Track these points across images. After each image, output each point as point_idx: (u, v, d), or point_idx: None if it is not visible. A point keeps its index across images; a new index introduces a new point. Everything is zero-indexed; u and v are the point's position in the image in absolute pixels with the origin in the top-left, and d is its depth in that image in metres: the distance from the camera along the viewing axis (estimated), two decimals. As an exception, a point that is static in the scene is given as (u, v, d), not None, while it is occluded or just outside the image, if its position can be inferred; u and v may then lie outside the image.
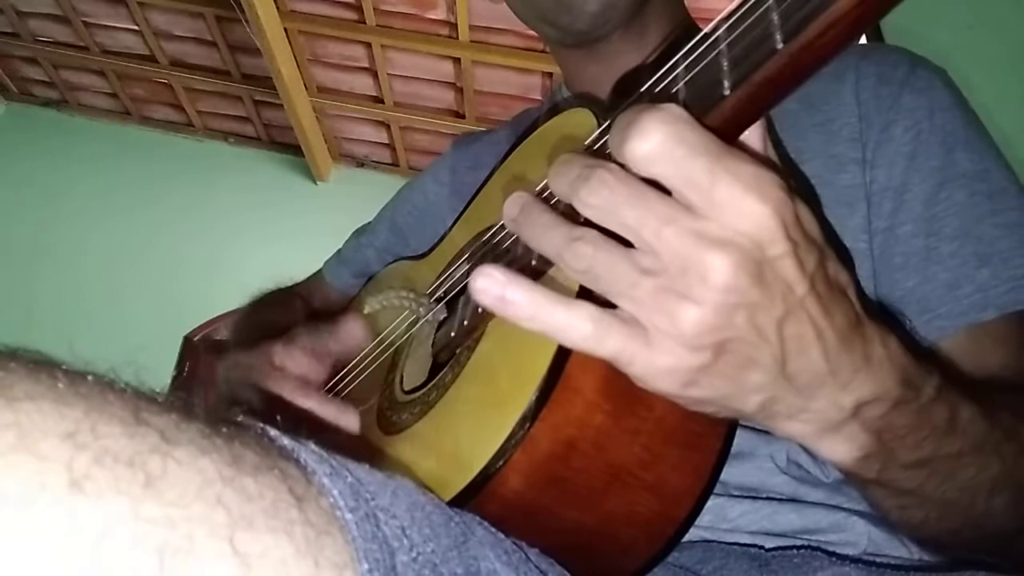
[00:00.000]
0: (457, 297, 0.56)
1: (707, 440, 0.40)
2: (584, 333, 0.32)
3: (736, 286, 0.31)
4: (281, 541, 0.26)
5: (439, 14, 2.47)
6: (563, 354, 0.37)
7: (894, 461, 0.40)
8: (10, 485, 0.23)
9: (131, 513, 0.24)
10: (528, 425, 0.37)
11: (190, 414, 0.28)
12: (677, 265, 0.31)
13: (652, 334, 0.32)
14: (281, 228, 2.93)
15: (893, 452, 0.39)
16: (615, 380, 0.38)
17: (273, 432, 0.32)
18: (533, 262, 0.44)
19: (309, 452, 0.31)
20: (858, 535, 0.51)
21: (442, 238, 0.69)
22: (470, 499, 0.38)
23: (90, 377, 0.27)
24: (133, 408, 0.27)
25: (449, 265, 0.60)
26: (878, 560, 0.50)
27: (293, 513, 0.27)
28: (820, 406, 0.36)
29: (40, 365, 0.27)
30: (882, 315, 0.47)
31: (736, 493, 0.53)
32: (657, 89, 0.38)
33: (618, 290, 0.32)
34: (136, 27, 2.85)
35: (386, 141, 3.07)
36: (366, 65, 2.73)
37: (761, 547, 0.51)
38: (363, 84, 2.82)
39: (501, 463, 0.37)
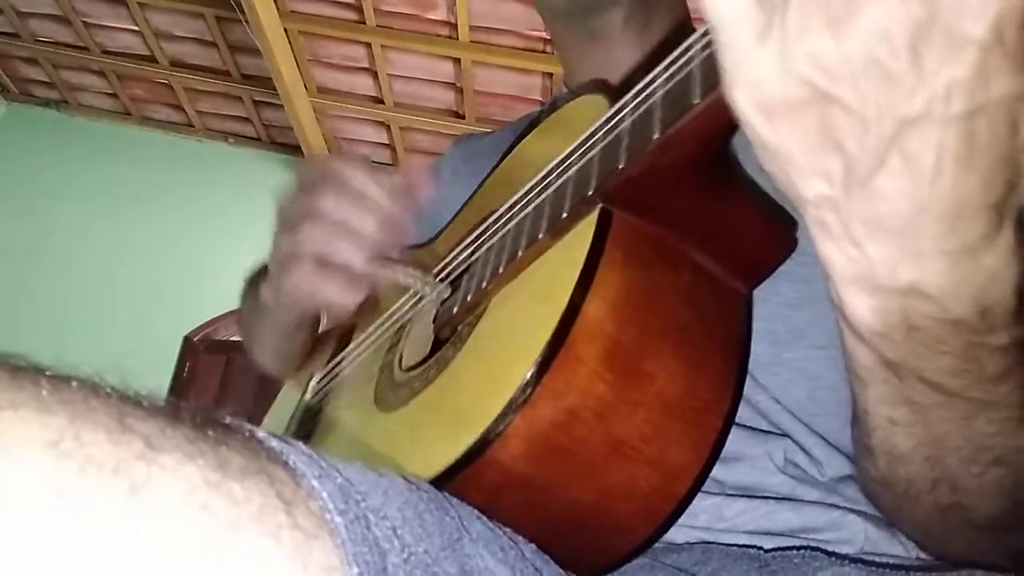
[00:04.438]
0: (461, 277, 0.56)
1: (707, 417, 0.40)
2: None
3: (887, 33, 0.25)
4: (268, 546, 0.26)
5: (439, 14, 2.47)
6: (566, 323, 0.37)
7: (912, 364, 0.34)
8: None
9: (115, 523, 0.24)
10: (530, 391, 0.37)
11: (176, 418, 0.28)
12: None
13: (776, 35, 0.27)
14: (281, 228, 2.93)
15: (917, 356, 0.33)
16: (618, 351, 0.38)
17: (261, 433, 0.31)
18: (540, 235, 0.44)
19: (299, 453, 0.31)
20: (854, 533, 0.51)
21: (447, 225, 0.69)
22: (468, 465, 0.38)
23: (74, 383, 0.27)
24: (118, 414, 0.26)
25: (454, 248, 0.60)
26: (877, 560, 0.50)
27: (281, 517, 0.27)
28: (873, 254, 0.30)
29: (24, 372, 0.26)
30: None
31: (733, 492, 0.53)
32: (670, 71, 0.39)
33: None
34: (136, 27, 2.85)
35: (386, 141, 3.07)
36: (366, 65, 2.73)
37: (760, 548, 0.51)
38: (363, 84, 2.82)
39: (501, 428, 0.37)
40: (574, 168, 0.44)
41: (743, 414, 0.54)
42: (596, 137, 0.44)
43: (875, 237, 0.30)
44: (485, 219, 0.56)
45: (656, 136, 0.37)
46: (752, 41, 0.28)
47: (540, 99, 2.63)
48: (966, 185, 0.27)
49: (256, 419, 0.81)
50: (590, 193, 0.41)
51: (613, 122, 0.43)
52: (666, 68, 0.39)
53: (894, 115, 0.26)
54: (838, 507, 0.52)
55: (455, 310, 0.51)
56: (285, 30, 2.57)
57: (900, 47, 0.25)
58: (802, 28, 0.26)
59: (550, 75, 2.53)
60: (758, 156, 0.31)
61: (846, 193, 0.29)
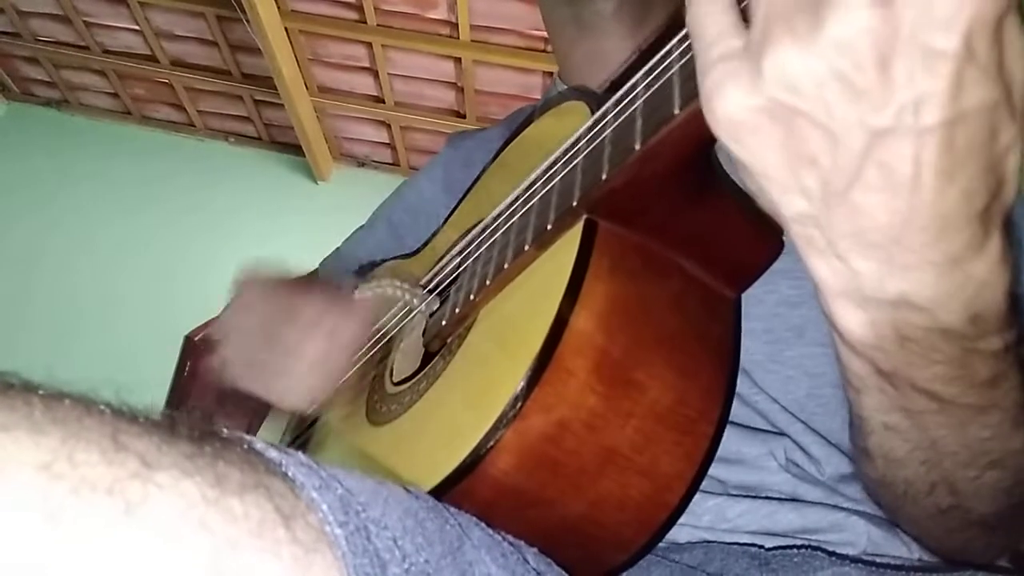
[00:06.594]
0: (449, 288, 0.56)
1: (699, 425, 0.40)
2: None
3: (850, 47, 0.25)
4: (268, 562, 0.26)
5: (440, 14, 2.46)
6: (555, 335, 0.37)
7: (905, 373, 0.34)
8: None
9: (110, 545, 0.24)
10: (520, 404, 0.37)
11: (173, 434, 0.28)
12: None
13: (744, 51, 0.27)
14: (282, 228, 2.93)
15: (910, 365, 0.33)
16: (608, 363, 0.38)
17: (260, 445, 0.31)
18: (526, 247, 0.44)
19: (297, 464, 0.31)
20: (857, 535, 0.51)
21: (434, 234, 0.69)
22: (460, 481, 0.38)
23: (67, 401, 0.27)
24: (112, 432, 0.26)
25: (441, 258, 0.60)
26: (878, 560, 0.50)
27: (280, 532, 0.27)
28: (860, 268, 0.30)
29: (15, 391, 0.26)
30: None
31: (735, 492, 0.53)
32: (650, 78, 0.39)
33: None
34: (137, 27, 2.85)
35: (387, 141, 3.07)
36: (367, 65, 2.73)
37: (761, 546, 0.51)
38: (364, 84, 2.82)
39: (492, 443, 0.37)
40: (558, 178, 0.44)
41: (742, 414, 0.54)
42: (579, 146, 0.44)
43: (860, 251, 0.29)
44: (471, 229, 0.56)
45: (638, 147, 0.37)
46: (724, 55, 0.28)
47: (541, 98, 2.62)
48: (948, 195, 0.27)
49: (257, 418, 0.80)
50: (574, 204, 0.41)
51: (595, 131, 0.43)
52: (646, 75, 0.39)
53: (863, 128, 0.26)
54: (841, 508, 0.52)
55: (444, 322, 0.51)
56: (286, 29, 2.57)
57: (865, 61, 0.25)
58: (766, 42, 0.26)
59: (551, 74, 2.52)
60: (739, 173, 0.31)
61: (826, 208, 0.29)
